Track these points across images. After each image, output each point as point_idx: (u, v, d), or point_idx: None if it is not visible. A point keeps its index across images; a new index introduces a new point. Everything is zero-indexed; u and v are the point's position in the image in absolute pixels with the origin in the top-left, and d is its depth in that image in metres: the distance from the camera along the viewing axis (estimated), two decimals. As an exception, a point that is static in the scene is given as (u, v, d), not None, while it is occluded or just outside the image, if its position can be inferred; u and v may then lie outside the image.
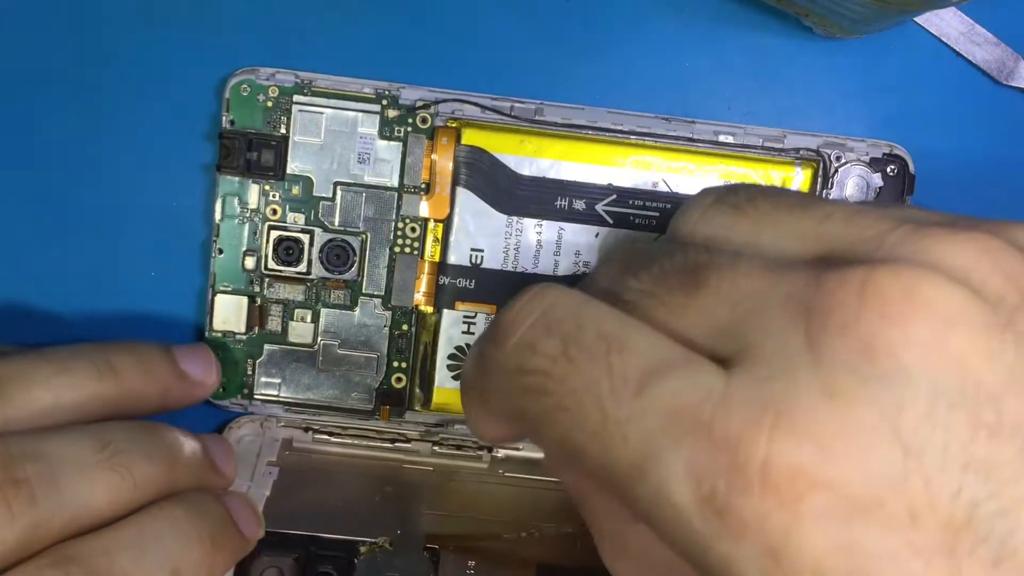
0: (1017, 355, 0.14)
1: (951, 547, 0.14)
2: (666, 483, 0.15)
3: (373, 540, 0.25)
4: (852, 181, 0.26)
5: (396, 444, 0.28)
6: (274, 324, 0.27)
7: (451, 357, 0.27)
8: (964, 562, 0.14)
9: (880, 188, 0.26)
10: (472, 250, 0.27)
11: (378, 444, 0.28)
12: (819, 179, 0.26)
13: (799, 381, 0.15)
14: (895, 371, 0.14)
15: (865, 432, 0.14)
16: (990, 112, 0.27)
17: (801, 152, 0.27)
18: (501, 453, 0.28)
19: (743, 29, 0.27)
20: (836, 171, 0.26)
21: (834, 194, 0.26)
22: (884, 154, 0.27)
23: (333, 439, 0.28)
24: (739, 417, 0.15)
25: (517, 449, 0.28)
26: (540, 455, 0.28)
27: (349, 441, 0.28)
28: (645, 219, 0.27)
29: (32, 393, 0.23)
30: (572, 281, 0.22)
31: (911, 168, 0.26)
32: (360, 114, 0.26)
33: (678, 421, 0.15)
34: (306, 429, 0.28)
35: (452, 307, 0.27)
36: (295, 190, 0.27)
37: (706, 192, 0.20)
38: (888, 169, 0.27)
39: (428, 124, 0.26)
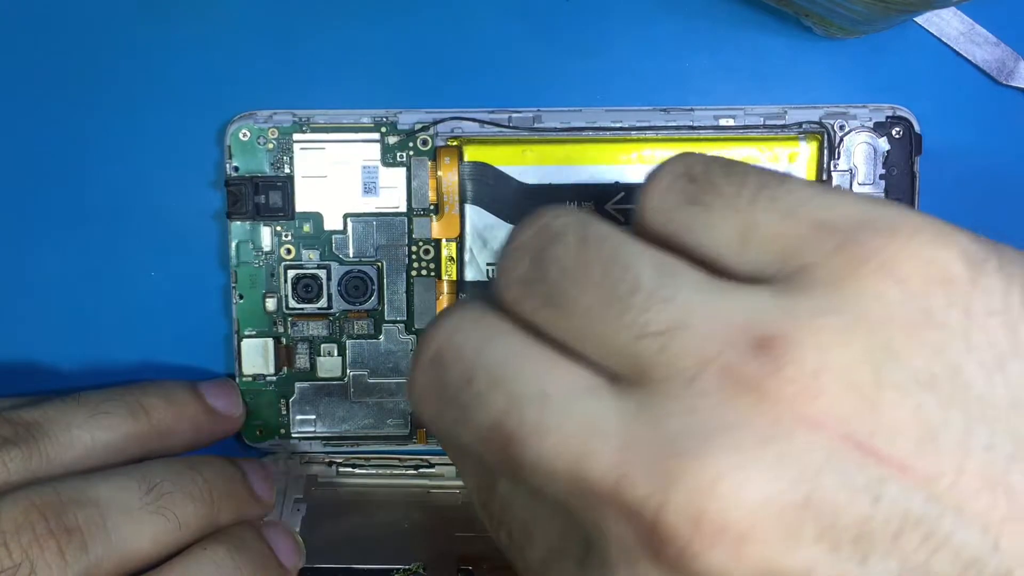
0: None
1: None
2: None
3: (407, 567, 0.25)
4: (859, 149, 0.26)
5: (420, 470, 0.28)
6: (302, 362, 0.27)
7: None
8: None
9: (888, 152, 0.26)
10: (488, 265, 0.27)
11: (402, 471, 0.28)
12: (825, 151, 0.26)
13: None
14: None
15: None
16: (990, 112, 0.27)
17: (804, 126, 0.26)
18: None
19: (743, 29, 0.27)
20: (841, 140, 0.26)
21: (842, 164, 0.26)
22: (888, 117, 0.26)
23: (357, 471, 0.28)
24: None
25: None
26: None
27: (373, 471, 0.28)
28: (656, 212, 0.27)
29: (72, 434, 0.23)
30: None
31: (916, 128, 0.26)
32: (361, 144, 0.27)
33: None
34: (329, 463, 0.28)
35: (475, 323, 0.27)
36: (306, 227, 0.27)
37: (664, 170, 0.17)
38: (893, 132, 0.26)
39: (429, 146, 0.27)
